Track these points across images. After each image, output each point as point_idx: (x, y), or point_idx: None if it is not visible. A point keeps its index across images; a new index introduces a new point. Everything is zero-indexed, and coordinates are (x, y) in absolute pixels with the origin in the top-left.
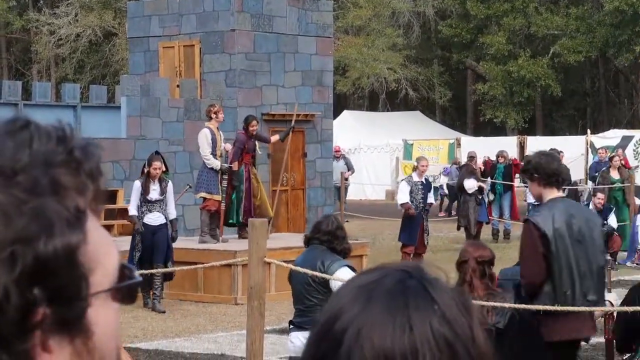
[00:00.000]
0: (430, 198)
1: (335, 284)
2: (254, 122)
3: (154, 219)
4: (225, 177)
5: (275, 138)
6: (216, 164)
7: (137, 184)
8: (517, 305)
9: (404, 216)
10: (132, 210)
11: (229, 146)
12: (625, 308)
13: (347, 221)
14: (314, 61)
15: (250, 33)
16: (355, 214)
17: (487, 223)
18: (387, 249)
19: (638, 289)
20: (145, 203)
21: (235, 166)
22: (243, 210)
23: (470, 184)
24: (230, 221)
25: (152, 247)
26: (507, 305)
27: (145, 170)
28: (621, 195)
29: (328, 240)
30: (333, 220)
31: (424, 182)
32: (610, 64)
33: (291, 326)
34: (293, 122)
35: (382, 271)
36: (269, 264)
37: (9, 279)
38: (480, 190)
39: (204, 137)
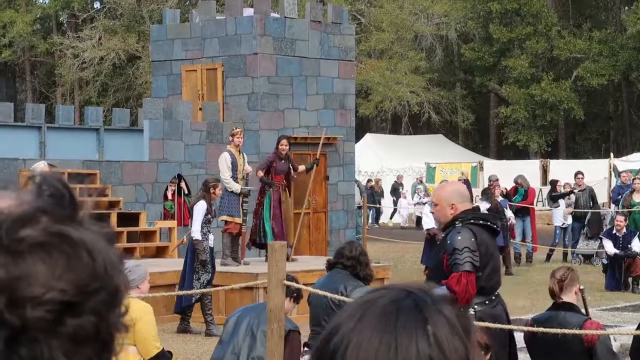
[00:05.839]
0: None
1: None
2: (283, 141)
3: (211, 240)
4: (247, 199)
5: (301, 168)
6: (236, 187)
7: (204, 205)
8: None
9: (426, 239)
10: (198, 234)
11: (249, 168)
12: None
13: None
14: (336, 84)
15: (273, 56)
16: (377, 237)
17: (505, 247)
18: (409, 272)
19: None
20: (207, 224)
21: (259, 174)
22: (273, 233)
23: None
24: (258, 241)
25: (212, 269)
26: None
27: (203, 192)
28: None
29: (352, 265)
30: (357, 247)
31: None
32: (633, 87)
33: (306, 348)
34: (318, 154)
35: (384, 291)
36: (290, 286)
37: None
38: (497, 214)
39: (223, 161)
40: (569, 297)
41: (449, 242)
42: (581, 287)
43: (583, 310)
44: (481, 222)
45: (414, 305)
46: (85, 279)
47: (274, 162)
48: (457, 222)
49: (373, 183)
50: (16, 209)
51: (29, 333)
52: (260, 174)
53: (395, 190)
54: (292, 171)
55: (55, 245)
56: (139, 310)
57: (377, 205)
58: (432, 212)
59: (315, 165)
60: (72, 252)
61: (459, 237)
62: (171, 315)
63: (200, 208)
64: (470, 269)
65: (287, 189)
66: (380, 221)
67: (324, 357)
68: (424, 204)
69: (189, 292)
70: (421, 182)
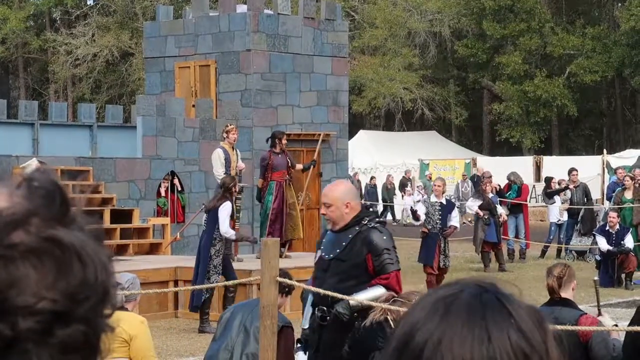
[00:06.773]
0: (454, 220)
1: None
2: (283, 138)
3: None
4: (240, 196)
5: (298, 167)
6: None
7: (230, 205)
8: None
9: (421, 236)
10: (231, 234)
11: (242, 165)
12: (633, 328)
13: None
14: (329, 81)
15: (266, 53)
16: None
17: (498, 244)
18: (404, 269)
19: None
20: None
21: (259, 183)
22: (269, 230)
23: (470, 204)
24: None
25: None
26: None
27: (226, 193)
28: (630, 215)
29: None
30: None
31: (443, 202)
32: (626, 83)
33: (298, 344)
34: (316, 154)
35: (458, 286)
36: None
37: None
38: (490, 211)
39: (216, 157)
40: (567, 293)
41: (374, 242)
42: (595, 279)
43: (593, 304)
44: (381, 220)
45: (497, 300)
46: (75, 287)
47: (270, 160)
48: (364, 222)
49: (379, 180)
50: (7, 210)
51: (19, 344)
52: (260, 182)
53: (403, 186)
54: (290, 165)
55: (46, 251)
56: (135, 326)
57: (375, 202)
58: (324, 214)
59: (312, 165)
60: (63, 258)
61: (384, 237)
62: (163, 312)
63: (227, 208)
64: (399, 267)
65: (290, 184)
66: (390, 217)
67: (408, 354)
68: (418, 201)
69: (191, 287)
70: (430, 178)
